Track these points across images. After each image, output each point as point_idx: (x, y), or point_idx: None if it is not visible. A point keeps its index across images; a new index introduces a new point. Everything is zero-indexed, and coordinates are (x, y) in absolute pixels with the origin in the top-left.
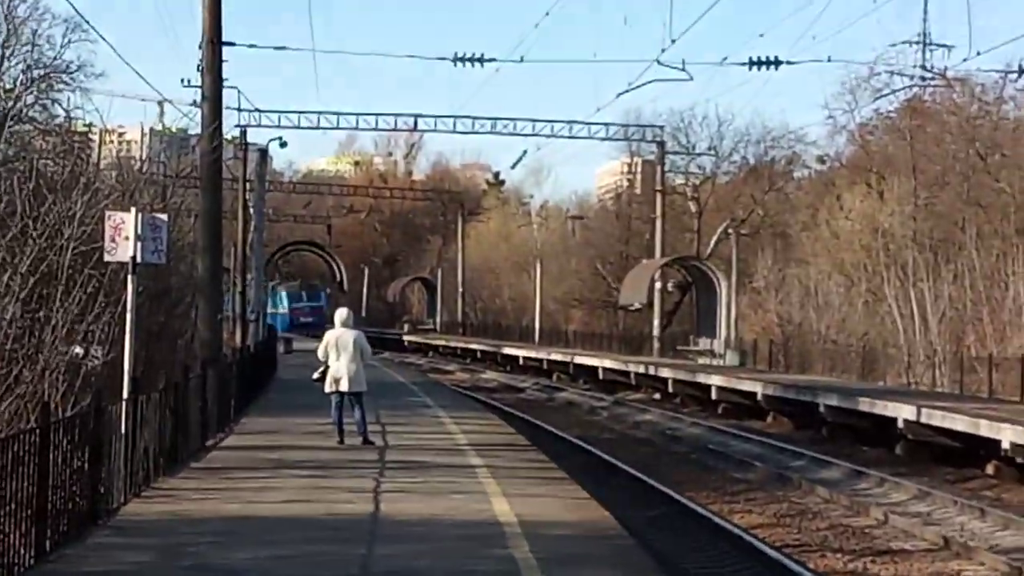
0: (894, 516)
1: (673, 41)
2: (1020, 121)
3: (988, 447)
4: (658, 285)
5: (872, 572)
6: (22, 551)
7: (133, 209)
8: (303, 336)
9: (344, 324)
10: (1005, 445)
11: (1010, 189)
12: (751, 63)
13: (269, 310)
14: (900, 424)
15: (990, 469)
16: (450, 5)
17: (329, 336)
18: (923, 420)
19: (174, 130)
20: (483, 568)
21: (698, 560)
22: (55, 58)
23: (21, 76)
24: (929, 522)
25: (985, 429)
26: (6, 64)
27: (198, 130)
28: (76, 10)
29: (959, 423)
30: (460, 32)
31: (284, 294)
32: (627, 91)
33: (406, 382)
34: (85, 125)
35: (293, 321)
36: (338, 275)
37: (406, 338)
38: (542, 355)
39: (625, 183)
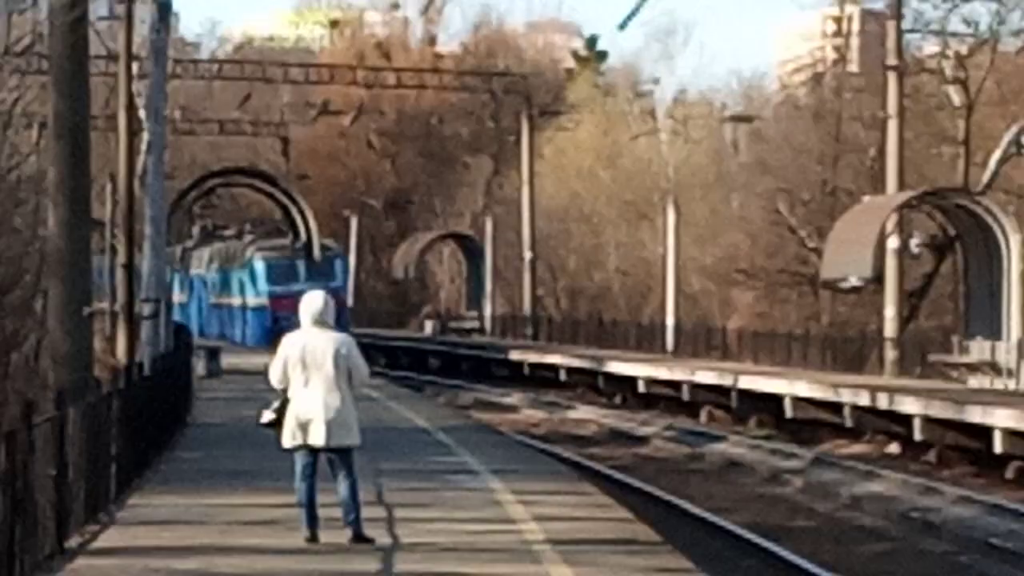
0: None
1: None
2: None
3: None
4: (893, 244)
5: None
6: None
7: None
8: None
9: (317, 321)
10: None
11: None
12: None
13: (216, 298)
14: None
15: None
16: None
17: (290, 345)
18: None
19: None
20: None
21: None
22: None
23: None
24: None
25: None
26: None
27: None
28: None
29: None
30: None
31: (260, 264)
32: None
33: (429, 427)
34: None
35: (278, 322)
36: (303, 230)
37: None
38: (680, 375)
39: (830, 55)
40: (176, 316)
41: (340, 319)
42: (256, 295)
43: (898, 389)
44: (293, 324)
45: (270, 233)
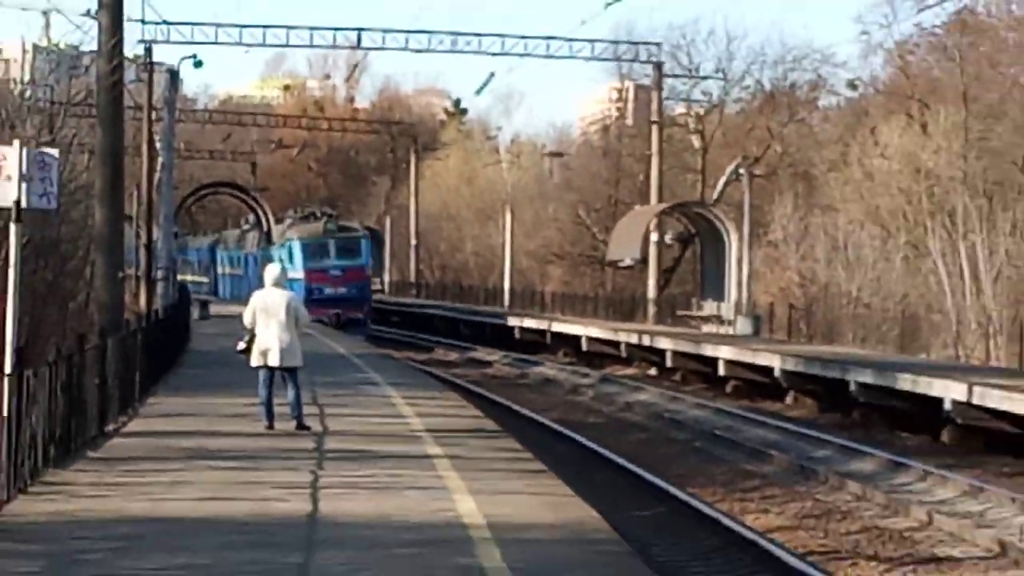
0: (940, 516)
1: None
2: None
3: None
4: (654, 237)
5: None
6: None
7: (16, 142)
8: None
9: (275, 283)
10: None
11: None
12: None
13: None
14: (947, 406)
15: None
16: None
17: (256, 299)
18: (975, 401)
19: (63, 47)
20: None
21: (705, 571)
22: None
23: None
24: (982, 524)
25: None
26: None
27: (93, 47)
28: None
29: (1019, 405)
30: None
31: (296, 244)
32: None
33: (347, 354)
34: None
35: (311, 295)
36: (265, 224)
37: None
38: (513, 322)
39: (614, 113)
40: (230, 287)
41: (364, 291)
42: (294, 269)
43: (656, 332)
44: (324, 293)
45: (306, 219)
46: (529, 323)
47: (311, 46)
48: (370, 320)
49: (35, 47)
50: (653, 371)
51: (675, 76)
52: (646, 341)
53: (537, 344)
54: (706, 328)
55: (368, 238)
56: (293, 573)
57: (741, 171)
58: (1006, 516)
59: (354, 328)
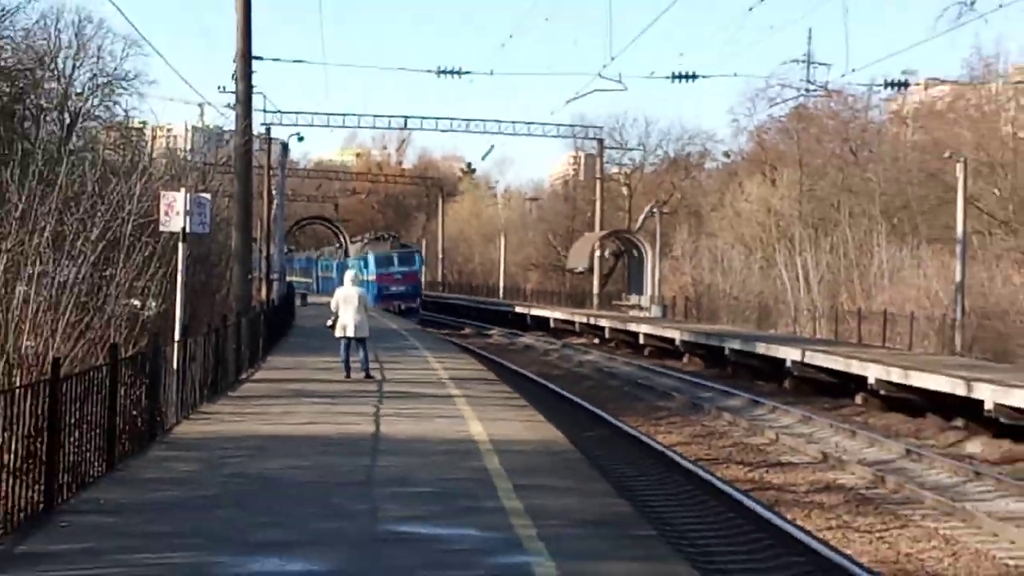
0: (783, 436)
1: (612, 58)
2: (882, 125)
3: (857, 382)
4: (597, 253)
5: (767, 479)
6: (96, 463)
7: (182, 189)
8: (390, 315)
9: (352, 282)
10: (871, 381)
11: (875, 178)
12: (673, 76)
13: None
14: (788, 364)
15: (859, 400)
16: (434, 21)
17: (339, 293)
18: (806, 360)
19: (212, 127)
20: (463, 476)
21: (630, 471)
22: (116, 68)
23: (88, 83)
24: (811, 441)
25: (855, 368)
26: (76, 73)
27: (232, 127)
28: (135, 28)
29: (835, 363)
30: (443, 48)
31: (371, 257)
32: (574, 99)
33: (399, 329)
34: (140, 122)
35: (381, 292)
36: (344, 244)
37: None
38: (506, 309)
39: (571, 172)
40: (322, 285)
41: (417, 289)
42: (369, 274)
43: (598, 315)
44: (391, 290)
45: (378, 239)
46: (517, 310)
47: (374, 127)
48: (421, 309)
49: (194, 127)
50: (596, 341)
51: (611, 148)
52: (592, 321)
53: (521, 323)
54: (631, 312)
55: (420, 253)
56: (365, 470)
57: (654, 210)
58: (826, 436)
59: (409, 314)
